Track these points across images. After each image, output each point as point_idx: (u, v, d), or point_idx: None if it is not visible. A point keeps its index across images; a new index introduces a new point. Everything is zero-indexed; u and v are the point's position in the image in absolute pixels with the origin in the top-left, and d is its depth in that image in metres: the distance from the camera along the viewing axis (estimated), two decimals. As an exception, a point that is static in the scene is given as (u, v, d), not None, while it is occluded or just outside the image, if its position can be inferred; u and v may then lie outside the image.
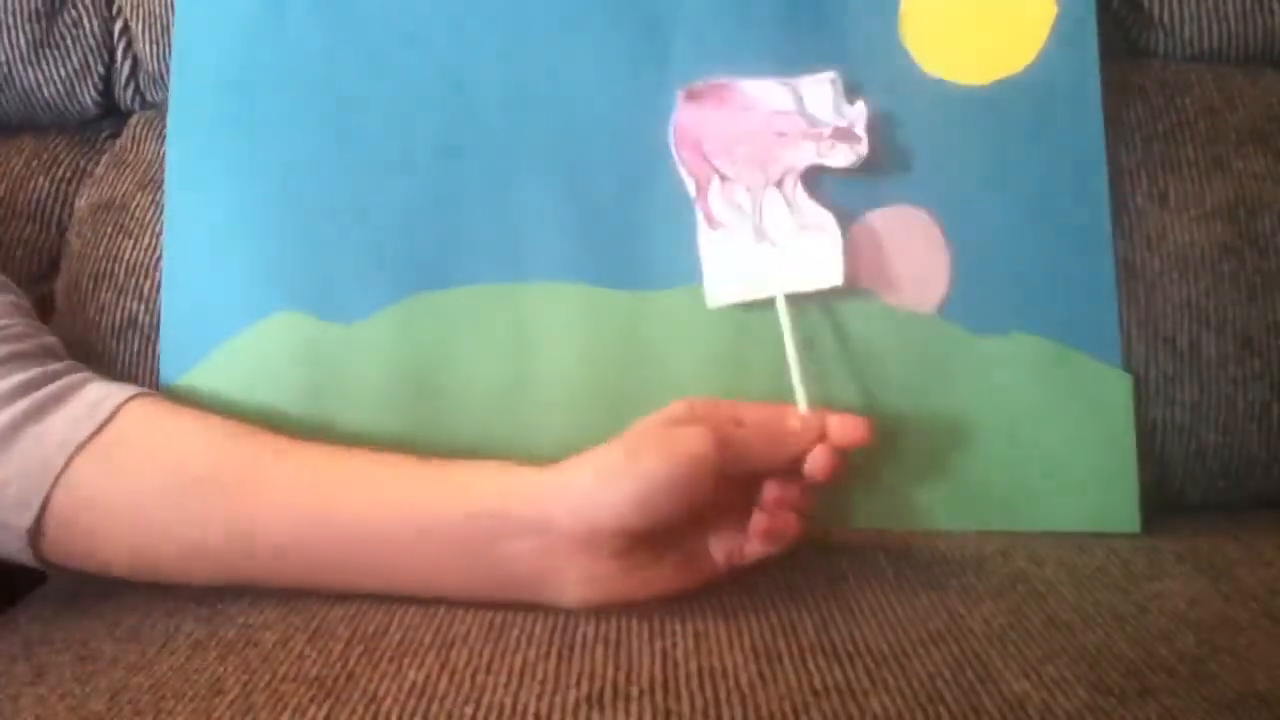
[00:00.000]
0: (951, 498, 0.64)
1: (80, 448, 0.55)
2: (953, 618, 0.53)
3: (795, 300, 0.64)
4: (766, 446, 0.57)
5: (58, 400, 0.56)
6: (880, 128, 0.65)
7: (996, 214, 0.64)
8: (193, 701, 0.47)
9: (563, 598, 0.54)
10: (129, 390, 0.58)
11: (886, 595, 0.55)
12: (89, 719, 0.46)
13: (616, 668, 0.49)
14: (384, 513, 0.55)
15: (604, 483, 0.53)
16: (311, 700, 0.47)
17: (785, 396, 0.63)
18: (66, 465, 0.54)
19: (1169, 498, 0.66)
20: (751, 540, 0.58)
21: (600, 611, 0.54)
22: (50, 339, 0.63)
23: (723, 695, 0.46)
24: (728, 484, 0.56)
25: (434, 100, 0.67)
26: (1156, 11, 0.72)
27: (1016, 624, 0.52)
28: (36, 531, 0.55)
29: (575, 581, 0.54)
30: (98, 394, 0.57)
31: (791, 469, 0.57)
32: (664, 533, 0.54)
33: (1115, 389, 0.64)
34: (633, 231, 0.65)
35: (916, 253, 0.65)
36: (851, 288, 0.64)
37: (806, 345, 0.64)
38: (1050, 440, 0.63)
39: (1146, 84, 0.70)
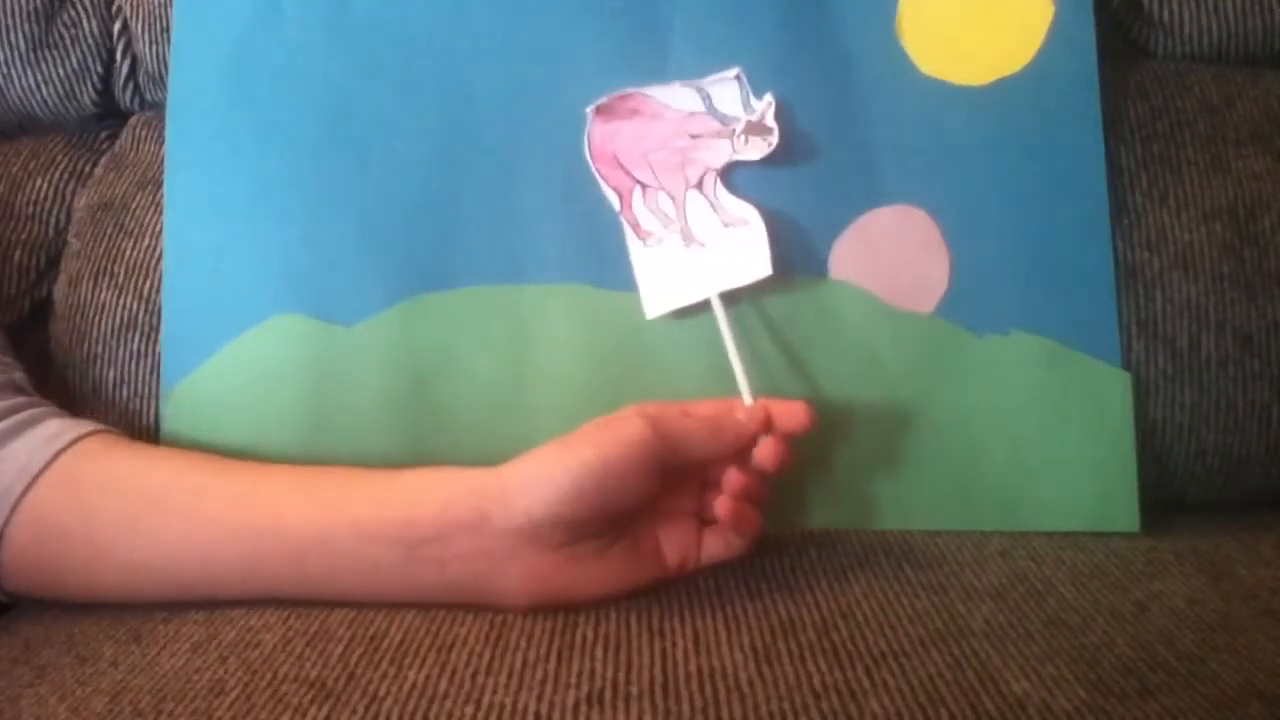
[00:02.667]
0: (951, 498, 0.64)
1: (37, 476, 0.56)
2: (952, 617, 0.53)
3: (789, 298, 0.64)
4: (708, 434, 0.56)
5: (17, 431, 0.57)
6: (879, 128, 0.65)
7: (995, 214, 0.65)
8: (193, 702, 0.47)
9: (506, 597, 0.54)
10: (88, 425, 0.59)
11: (886, 595, 0.55)
12: (89, 720, 0.47)
13: (616, 668, 0.49)
14: (330, 520, 0.55)
15: (538, 474, 0.54)
16: (312, 701, 0.47)
17: (787, 393, 0.63)
18: (24, 493, 0.55)
19: (1169, 497, 0.66)
20: (712, 534, 0.58)
21: (560, 610, 0.55)
22: (18, 374, 0.64)
23: (722, 695, 0.46)
24: (677, 481, 0.57)
25: (433, 101, 0.67)
26: (1156, 11, 0.72)
27: (1016, 623, 0.52)
28: None
29: (518, 578, 0.54)
30: (57, 427, 0.58)
31: (739, 460, 0.58)
32: (608, 525, 0.55)
33: (1115, 388, 0.64)
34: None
35: (915, 252, 0.65)
36: (850, 287, 0.64)
37: (803, 345, 0.64)
38: (1050, 440, 0.63)
39: (1146, 84, 0.70)
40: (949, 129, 0.65)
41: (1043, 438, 0.63)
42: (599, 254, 0.65)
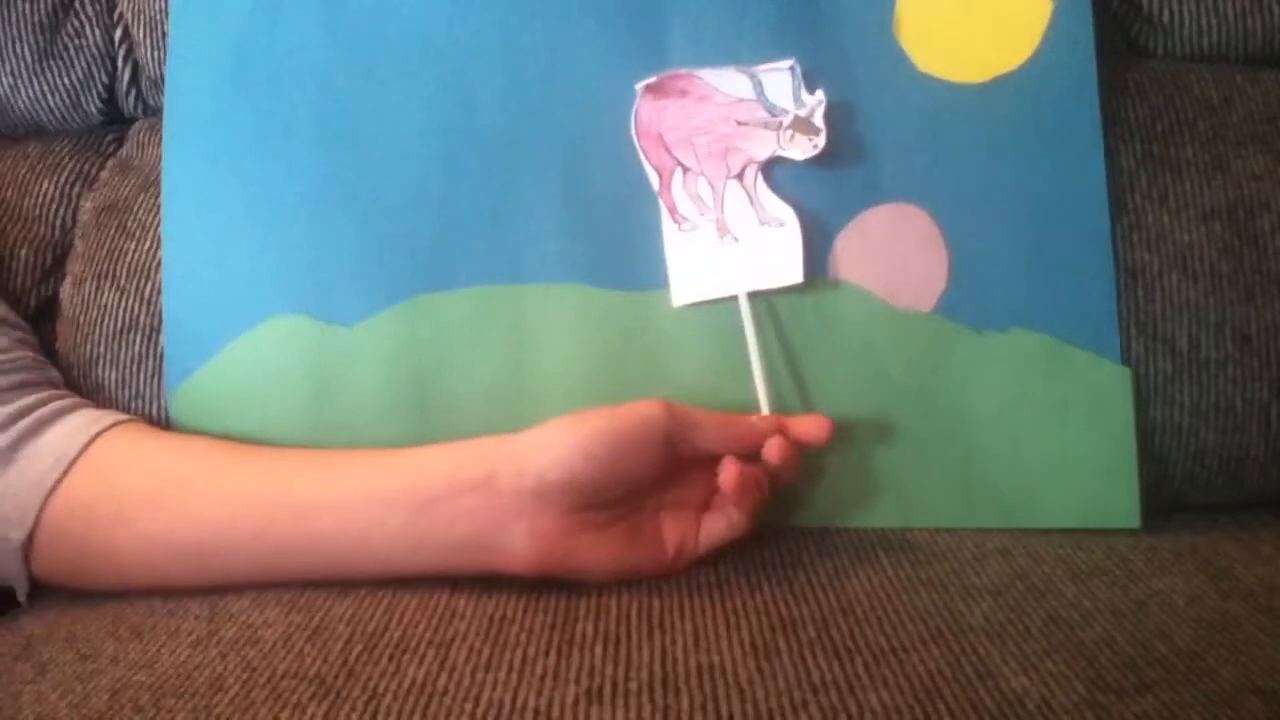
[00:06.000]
0: (951, 495, 0.64)
1: (73, 461, 0.58)
2: (952, 614, 0.53)
3: (789, 296, 0.64)
4: (718, 423, 0.58)
5: (51, 420, 0.60)
6: (877, 126, 0.65)
7: (994, 211, 0.64)
8: (193, 699, 0.47)
9: (511, 558, 0.55)
10: (119, 416, 0.62)
11: (886, 592, 0.55)
12: (90, 716, 0.47)
13: (615, 664, 0.49)
14: (341, 485, 0.57)
15: (553, 439, 0.55)
16: (311, 697, 0.47)
17: (786, 391, 0.64)
18: (59, 481, 0.57)
19: (1168, 497, 0.66)
20: (712, 515, 0.59)
21: (549, 582, 0.56)
22: (54, 373, 0.66)
23: (721, 691, 0.46)
24: (685, 476, 0.58)
25: (432, 101, 0.67)
26: (1156, 11, 0.72)
27: (1015, 620, 0.52)
28: (29, 545, 0.57)
29: (524, 537, 0.55)
30: (90, 416, 0.61)
31: (749, 460, 0.58)
32: (615, 498, 0.56)
33: (1114, 384, 0.64)
34: (630, 232, 0.66)
35: (914, 250, 0.65)
36: (849, 286, 0.65)
37: (803, 344, 0.64)
38: (1050, 437, 0.63)
39: (1146, 84, 0.70)
40: (947, 127, 0.65)
41: (1043, 435, 0.63)
42: (598, 254, 0.65)
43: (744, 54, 0.66)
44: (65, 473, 0.57)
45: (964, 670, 0.47)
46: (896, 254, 0.65)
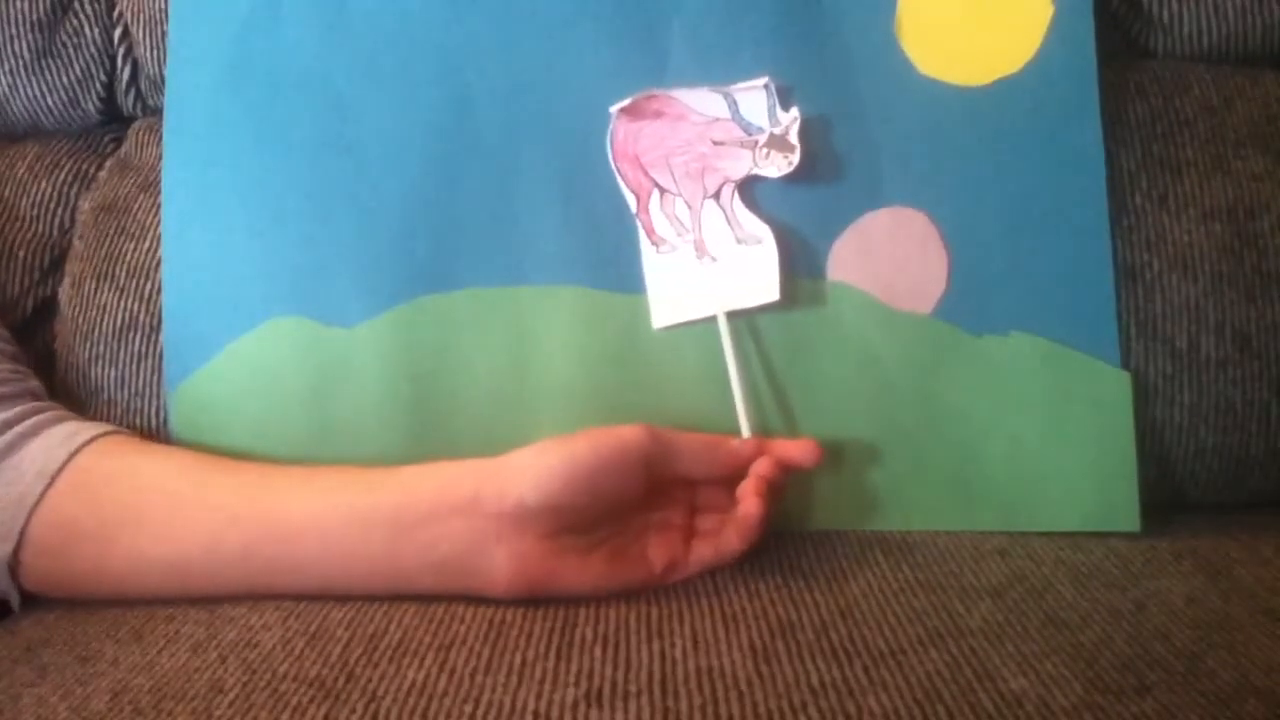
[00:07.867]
0: (950, 498, 0.64)
1: (55, 476, 0.57)
2: (951, 616, 0.53)
3: (781, 300, 0.64)
4: (701, 449, 0.59)
5: (34, 433, 0.59)
6: (878, 129, 0.65)
7: (994, 214, 0.64)
8: (193, 701, 0.47)
9: (493, 581, 0.55)
10: (102, 427, 0.62)
11: (885, 594, 0.55)
12: (90, 719, 0.47)
13: (615, 666, 0.49)
14: (326, 505, 0.57)
15: (532, 461, 0.55)
16: (311, 700, 0.47)
17: (786, 395, 0.64)
18: (43, 495, 0.57)
19: (1168, 497, 0.65)
20: (701, 540, 0.59)
21: (534, 601, 0.56)
22: (34, 383, 0.65)
23: (720, 693, 0.46)
24: (668, 499, 0.59)
25: (432, 104, 0.67)
26: (1156, 11, 0.72)
27: (1014, 622, 0.52)
28: (15, 560, 0.57)
29: (504, 560, 0.55)
30: (71, 429, 0.60)
31: (730, 482, 0.59)
32: (595, 522, 0.56)
33: (1114, 388, 0.63)
34: (630, 234, 0.66)
35: (914, 254, 0.65)
36: (848, 289, 0.65)
37: (801, 347, 0.64)
38: (1050, 440, 0.63)
39: (1146, 84, 0.70)
40: (948, 130, 0.65)
41: (1042, 438, 0.63)
42: (597, 256, 0.65)
43: (745, 57, 0.66)
44: (48, 487, 0.57)
45: (963, 672, 0.47)
46: (896, 257, 0.64)
